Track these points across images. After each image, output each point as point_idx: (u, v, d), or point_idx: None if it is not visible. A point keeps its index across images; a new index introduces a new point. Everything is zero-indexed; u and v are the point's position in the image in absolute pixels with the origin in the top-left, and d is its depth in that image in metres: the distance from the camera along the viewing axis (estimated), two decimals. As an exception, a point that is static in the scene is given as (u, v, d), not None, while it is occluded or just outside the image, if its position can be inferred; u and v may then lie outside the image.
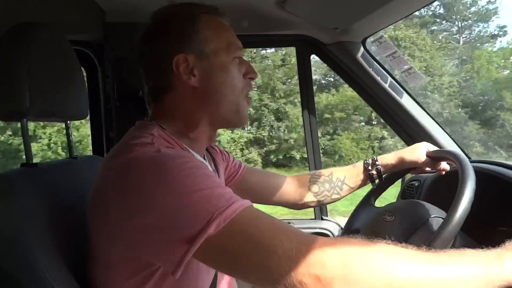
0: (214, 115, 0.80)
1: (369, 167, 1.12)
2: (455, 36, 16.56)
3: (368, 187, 1.17)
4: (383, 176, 1.13)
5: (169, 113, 0.80)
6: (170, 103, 0.79)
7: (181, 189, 0.59)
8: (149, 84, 0.82)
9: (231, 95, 0.79)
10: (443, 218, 0.81)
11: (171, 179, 0.60)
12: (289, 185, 1.14)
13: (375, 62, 1.42)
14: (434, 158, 1.06)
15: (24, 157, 0.80)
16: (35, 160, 0.81)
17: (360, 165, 1.14)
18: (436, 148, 1.09)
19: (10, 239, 0.66)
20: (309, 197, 1.14)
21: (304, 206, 1.17)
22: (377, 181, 1.13)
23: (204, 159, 0.88)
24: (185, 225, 0.58)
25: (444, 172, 1.08)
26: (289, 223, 1.64)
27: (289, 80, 13.30)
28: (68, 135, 1.00)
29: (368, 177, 1.13)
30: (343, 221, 1.29)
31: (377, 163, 1.11)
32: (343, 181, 1.14)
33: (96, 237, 0.69)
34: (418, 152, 1.07)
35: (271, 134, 13.00)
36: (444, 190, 0.97)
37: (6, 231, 0.67)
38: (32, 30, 0.79)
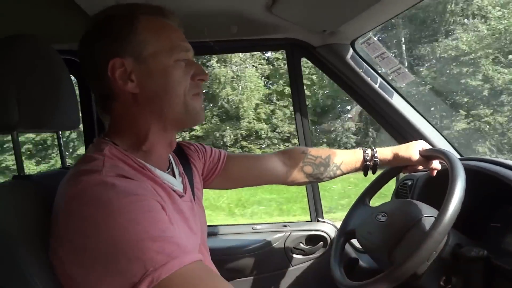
0: (162, 120, 0.76)
1: (368, 158, 1.12)
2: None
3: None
4: (376, 175, 1.14)
5: (119, 126, 0.76)
6: (117, 113, 0.76)
7: (120, 235, 0.56)
8: (94, 93, 0.79)
9: (175, 98, 0.74)
10: (435, 218, 0.82)
11: (112, 223, 0.57)
12: (277, 164, 1.11)
13: (364, 63, 1.43)
14: (425, 157, 1.07)
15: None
16: None
17: (359, 154, 1.13)
18: (429, 147, 1.10)
19: (2, 250, 0.66)
20: (300, 177, 1.13)
21: (293, 184, 1.15)
22: (369, 172, 1.13)
23: (170, 167, 0.85)
24: (119, 274, 0.56)
25: (435, 172, 1.09)
26: (285, 226, 1.64)
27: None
28: (60, 145, 1.00)
29: (363, 167, 1.13)
30: (338, 223, 1.29)
31: (376, 155, 1.11)
32: (338, 166, 1.13)
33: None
34: (412, 150, 1.08)
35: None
36: (437, 188, 0.97)
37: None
38: (18, 42, 0.78)
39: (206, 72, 0.79)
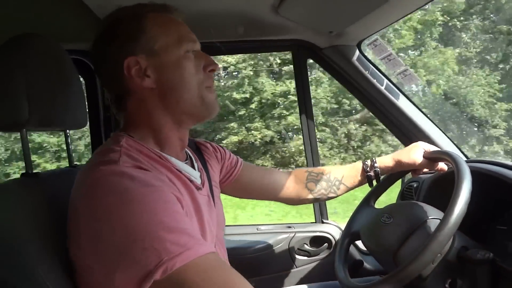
0: (176, 114, 0.77)
1: (368, 169, 1.12)
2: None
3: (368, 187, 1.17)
4: (381, 178, 1.14)
5: (135, 121, 0.78)
6: (133, 109, 0.78)
7: (137, 224, 0.58)
8: (110, 93, 0.81)
9: (190, 89, 0.76)
10: (440, 220, 0.81)
11: (129, 212, 0.59)
12: (286, 181, 1.13)
13: (370, 65, 1.43)
14: (431, 159, 1.06)
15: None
16: None
17: (358, 166, 1.14)
18: (432, 147, 1.09)
19: (10, 248, 0.67)
20: (306, 194, 1.14)
21: (300, 202, 1.16)
22: (374, 182, 1.13)
23: (187, 158, 0.86)
24: (134, 262, 0.57)
25: (442, 172, 1.08)
26: (289, 227, 1.64)
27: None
28: (67, 144, 1.01)
29: (366, 178, 1.13)
30: (343, 225, 1.29)
31: (375, 165, 1.11)
32: (340, 181, 1.13)
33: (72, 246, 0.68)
34: (415, 154, 1.07)
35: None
36: (443, 190, 0.97)
37: (6, 240, 0.68)
38: (29, 41, 0.80)
39: (216, 62, 0.80)
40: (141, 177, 0.63)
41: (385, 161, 1.11)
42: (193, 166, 0.86)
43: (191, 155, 0.90)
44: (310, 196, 1.14)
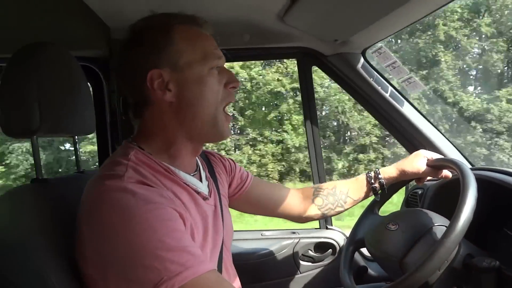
0: (191, 130, 0.77)
1: (372, 181, 1.12)
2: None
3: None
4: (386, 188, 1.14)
5: (149, 130, 0.78)
6: (149, 118, 0.78)
7: (138, 242, 0.59)
8: (129, 99, 0.81)
9: (208, 108, 0.76)
10: (446, 227, 0.82)
11: (130, 230, 0.60)
12: (294, 197, 1.13)
13: (375, 72, 1.43)
14: (435, 167, 1.06)
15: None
16: None
17: (362, 178, 1.14)
18: (434, 154, 1.10)
19: (21, 252, 0.68)
20: (313, 210, 1.14)
21: (308, 219, 1.16)
22: (380, 192, 1.13)
23: (197, 170, 0.86)
24: (134, 280, 0.59)
25: (446, 179, 1.09)
26: (294, 232, 1.65)
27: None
28: (76, 150, 1.02)
29: (371, 190, 1.13)
30: (347, 231, 1.29)
31: (379, 176, 1.11)
32: (346, 194, 1.13)
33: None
34: (418, 163, 1.07)
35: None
36: (448, 198, 0.97)
37: (17, 245, 0.69)
38: (40, 49, 0.81)
39: (238, 79, 0.81)
40: (143, 194, 0.64)
41: (389, 172, 1.12)
42: (201, 176, 0.86)
43: (200, 164, 0.90)
44: (318, 212, 1.14)
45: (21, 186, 0.79)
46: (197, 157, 0.89)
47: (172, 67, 0.74)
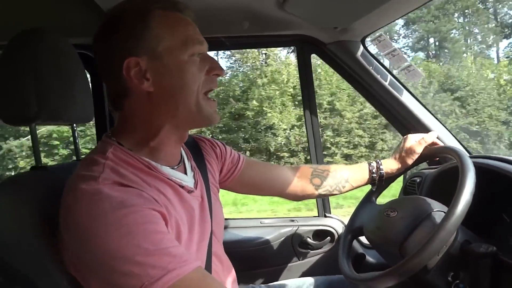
0: (176, 119, 0.74)
1: (374, 171, 1.14)
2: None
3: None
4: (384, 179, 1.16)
5: (129, 122, 0.75)
6: (129, 110, 0.74)
7: (115, 249, 0.58)
8: (108, 89, 0.77)
9: (190, 96, 0.72)
10: (445, 212, 0.82)
11: (107, 236, 0.58)
12: (290, 176, 1.13)
13: (374, 60, 1.43)
14: (434, 154, 1.08)
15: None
16: None
17: (365, 167, 1.15)
18: (422, 135, 1.14)
19: (22, 239, 0.68)
20: (310, 190, 1.14)
21: (304, 198, 1.17)
22: (377, 183, 1.16)
23: (181, 161, 0.83)
24: (116, 286, 0.58)
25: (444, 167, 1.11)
26: (292, 220, 1.66)
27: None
28: (74, 138, 1.02)
29: (370, 180, 1.15)
30: (346, 219, 1.30)
31: (381, 167, 1.14)
32: (346, 180, 1.15)
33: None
34: (415, 149, 1.11)
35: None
36: (445, 185, 0.98)
37: (18, 232, 0.69)
38: (36, 36, 0.80)
39: (222, 67, 0.77)
40: (119, 197, 0.61)
41: (390, 164, 1.15)
42: (185, 168, 0.84)
43: (185, 155, 0.87)
44: (315, 192, 1.15)
45: (20, 174, 0.80)
46: (181, 147, 0.87)
47: (150, 55, 0.70)
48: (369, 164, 1.15)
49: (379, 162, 1.15)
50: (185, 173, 0.83)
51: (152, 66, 0.70)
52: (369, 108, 11.02)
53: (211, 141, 1.01)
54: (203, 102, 0.75)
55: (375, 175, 1.14)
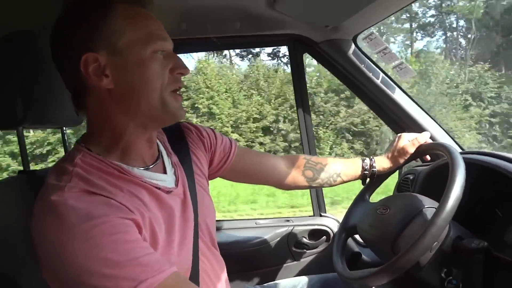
0: (139, 117, 0.71)
1: (366, 167, 1.15)
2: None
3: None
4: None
5: (94, 124, 0.72)
6: (92, 109, 0.71)
7: (83, 263, 0.56)
8: (68, 87, 0.73)
9: (152, 92, 0.69)
10: (436, 208, 0.82)
11: (74, 250, 0.56)
12: (283, 167, 1.13)
13: (366, 59, 1.43)
14: (425, 151, 1.08)
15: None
16: None
17: (358, 163, 1.16)
18: (415, 135, 1.14)
19: (9, 243, 0.68)
20: (301, 181, 1.14)
21: (295, 188, 1.16)
22: (367, 180, 1.18)
23: (158, 159, 0.80)
24: None
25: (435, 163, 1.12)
26: (288, 220, 1.65)
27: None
28: (64, 141, 1.01)
29: (362, 176, 1.16)
30: (341, 217, 1.30)
31: (374, 165, 1.14)
32: (338, 174, 1.15)
33: None
34: (407, 149, 1.12)
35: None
36: (438, 182, 0.98)
37: (4, 235, 0.68)
38: (22, 38, 0.80)
39: (186, 65, 0.74)
40: (85, 209, 0.59)
41: (383, 163, 1.16)
42: (164, 167, 0.81)
43: (163, 151, 0.84)
44: (306, 184, 1.15)
45: (8, 178, 0.79)
46: (159, 142, 0.84)
47: (109, 50, 0.66)
48: (363, 160, 1.16)
49: (373, 160, 1.15)
50: (164, 171, 0.80)
51: (111, 62, 0.67)
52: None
53: (199, 129, 0.96)
54: (168, 97, 0.71)
55: (367, 172, 1.15)
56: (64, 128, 0.97)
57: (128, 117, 0.71)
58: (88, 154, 0.69)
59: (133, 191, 0.69)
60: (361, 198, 1.18)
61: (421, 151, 1.11)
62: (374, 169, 1.14)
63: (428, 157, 1.17)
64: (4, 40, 0.78)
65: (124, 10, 0.68)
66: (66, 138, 1.01)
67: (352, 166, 1.16)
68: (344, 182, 1.17)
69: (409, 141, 1.13)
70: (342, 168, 1.15)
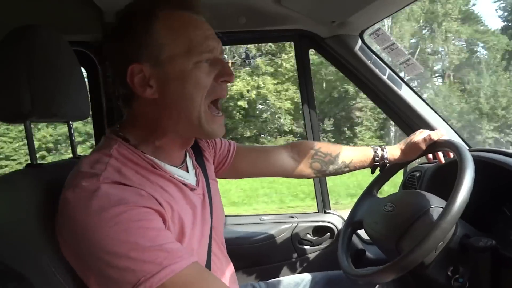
0: (178, 126, 0.73)
1: (377, 158, 1.12)
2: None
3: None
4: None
5: (137, 120, 0.75)
6: (137, 110, 0.74)
7: (111, 245, 0.58)
8: (118, 90, 0.76)
9: (191, 107, 0.70)
10: (443, 208, 0.82)
11: (103, 233, 0.58)
12: (285, 158, 1.12)
13: (373, 55, 1.42)
14: (434, 148, 1.07)
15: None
16: None
17: (370, 153, 1.13)
18: (427, 133, 1.11)
19: (18, 238, 0.68)
20: (308, 173, 1.14)
21: (299, 177, 1.16)
22: (377, 170, 1.15)
23: (184, 160, 0.83)
24: (112, 282, 0.58)
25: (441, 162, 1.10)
26: (292, 217, 1.65)
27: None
28: (70, 135, 1.01)
29: (371, 166, 1.14)
30: (345, 214, 1.29)
31: (385, 156, 1.12)
32: (347, 164, 1.13)
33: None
34: (420, 147, 1.09)
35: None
36: (445, 180, 0.97)
37: (14, 231, 0.69)
38: (31, 32, 0.79)
39: (232, 72, 0.73)
40: (117, 195, 0.62)
41: (395, 153, 1.13)
42: (187, 166, 0.84)
43: (188, 153, 0.87)
44: (312, 175, 1.14)
45: (15, 171, 0.79)
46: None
47: (152, 62, 0.68)
48: (375, 151, 1.13)
49: (385, 151, 1.12)
50: (187, 171, 0.83)
51: (155, 73, 0.69)
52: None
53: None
54: (205, 119, 0.72)
55: (377, 163, 1.12)
56: (70, 122, 0.97)
57: (171, 123, 0.73)
58: (124, 145, 0.72)
59: (162, 185, 0.71)
60: (369, 192, 1.17)
61: (430, 148, 1.09)
62: (385, 160, 1.12)
63: (430, 157, 1.14)
64: (12, 34, 0.78)
65: (167, 19, 0.69)
66: (72, 132, 1.01)
67: (362, 155, 1.14)
68: (352, 171, 1.15)
69: (422, 138, 1.10)
70: (352, 159, 1.13)
